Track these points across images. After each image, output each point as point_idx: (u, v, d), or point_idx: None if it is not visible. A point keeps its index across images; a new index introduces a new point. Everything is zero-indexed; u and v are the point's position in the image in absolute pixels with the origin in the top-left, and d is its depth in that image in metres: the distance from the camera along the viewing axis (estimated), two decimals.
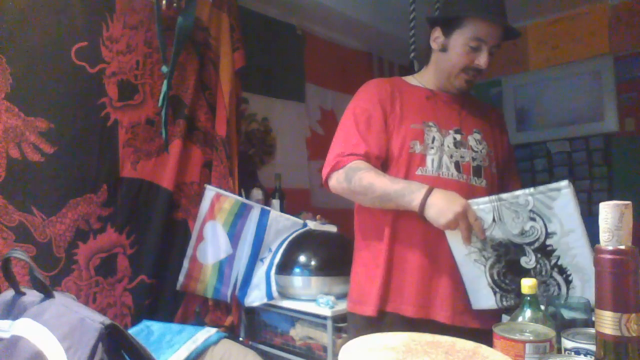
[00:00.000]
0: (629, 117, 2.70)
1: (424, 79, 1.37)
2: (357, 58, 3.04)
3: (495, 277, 1.09)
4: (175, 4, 1.86)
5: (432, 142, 1.25)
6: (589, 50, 2.81)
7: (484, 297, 1.12)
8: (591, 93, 2.82)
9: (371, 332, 1.27)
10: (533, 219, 1.03)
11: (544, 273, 1.03)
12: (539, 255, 1.04)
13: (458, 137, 1.28)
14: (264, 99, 2.48)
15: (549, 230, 1.02)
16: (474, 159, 1.27)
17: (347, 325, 1.43)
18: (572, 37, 2.86)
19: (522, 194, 1.04)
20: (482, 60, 1.23)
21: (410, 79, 1.39)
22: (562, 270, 1.02)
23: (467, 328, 1.16)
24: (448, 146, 1.26)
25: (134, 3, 1.81)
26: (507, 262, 1.08)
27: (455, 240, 1.13)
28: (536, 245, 1.04)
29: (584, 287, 0.99)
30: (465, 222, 1.08)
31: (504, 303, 1.08)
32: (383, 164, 1.27)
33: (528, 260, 1.05)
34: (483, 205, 1.08)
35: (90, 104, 1.69)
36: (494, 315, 1.24)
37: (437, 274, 1.21)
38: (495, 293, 1.10)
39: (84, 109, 1.68)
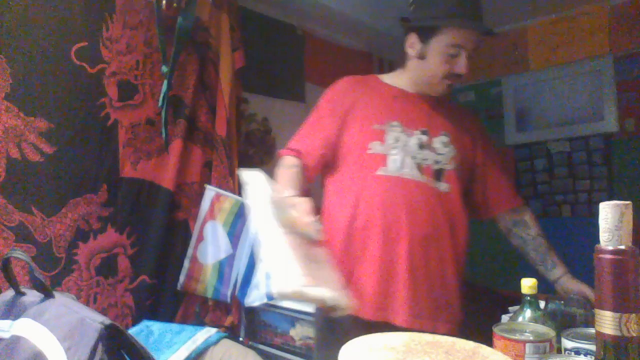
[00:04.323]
0: (629, 117, 2.70)
1: (399, 80, 1.36)
2: (357, 58, 3.04)
3: None
4: (175, 4, 1.85)
5: (395, 142, 1.25)
6: (589, 50, 2.81)
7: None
8: (591, 93, 2.82)
9: (330, 332, 1.26)
10: None
11: None
12: None
13: (424, 138, 1.27)
14: (264, 99, 2.48)
15: None
16: (436, 162, 1.26)
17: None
18: (572, 37, 2.86)
19: None
20: (462, 67, 1.22)
21: (385, 77, 1.38)
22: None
23: (426, 332, 1.16)
24: (412, 147, 1.25)
25: (134, 3, 1.80)
26: None
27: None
28: None
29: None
30: None
31: None
32: (335, 161, 1.30)
33: None
34: None
35: (90, 104, 1.69)
36: (450, 321, 1.22)
37: (395, 276, 1.20)
38: None
39: (84, 109, 1.67)
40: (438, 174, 1.26)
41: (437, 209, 1.24)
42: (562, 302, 1.04)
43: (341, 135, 1.29)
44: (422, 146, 1.26)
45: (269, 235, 0.93)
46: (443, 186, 1.26)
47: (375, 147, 1.25)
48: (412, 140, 1.26)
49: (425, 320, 1.20)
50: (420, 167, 1.24)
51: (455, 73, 1.24)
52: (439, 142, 1.28)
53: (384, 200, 1.22)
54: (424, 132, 1.27)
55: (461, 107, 1.49)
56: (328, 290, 0.86)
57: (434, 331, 1.15)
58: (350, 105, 1.30)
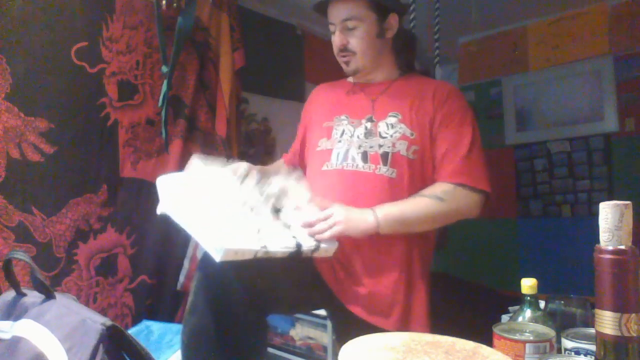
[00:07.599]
0: (629, 117, 2.70)
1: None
2: None
3: None
4: (175, 4, 1.85)
5: (341, 135, 1.24)
6: (589, 50, 2.81)
7: None
8: (591, 93, 2.82)
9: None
10: None
11: None
12: None
13: (369, 125, 1.23)
14: (264, 99, 2.48)
15: None
16: (380, 146, 1.20)
17: None
18: (572, 37, 2.86)
19: None
20: (335, 41, 1.26)
21: (351, 77, 1.38)
22: None
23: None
24: (358, 137, 1.22)
25: (134, 3, 1.81)
26: None
27: None
28: None
29: None
30: None
31: None
32: (302, 162, 1.40)
33: None
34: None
35: (90, 104, 1.69)
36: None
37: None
38: None
39: (84, 109, 1.67)
40: (385, 159, 1.19)
41: (384, 197, 1.16)
42: (562, 302, 1.04)
43: (305, 140, 1.39)
44: (368, 134, 1.22)
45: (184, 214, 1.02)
46: (390, 171, 1.18)
47: (323, 143, 1.27)
48: (359, 131, 1.23)
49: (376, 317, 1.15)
50: (366, 156, 1.20)
51: (337, 48, 1.26)
52: (384, 124, 1.22)
53: (325, 194, 1.19)
54: (369, 120, 1.24)
55: (431, 80, 1.38)
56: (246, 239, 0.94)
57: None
58: (312, 111, 1.39)
